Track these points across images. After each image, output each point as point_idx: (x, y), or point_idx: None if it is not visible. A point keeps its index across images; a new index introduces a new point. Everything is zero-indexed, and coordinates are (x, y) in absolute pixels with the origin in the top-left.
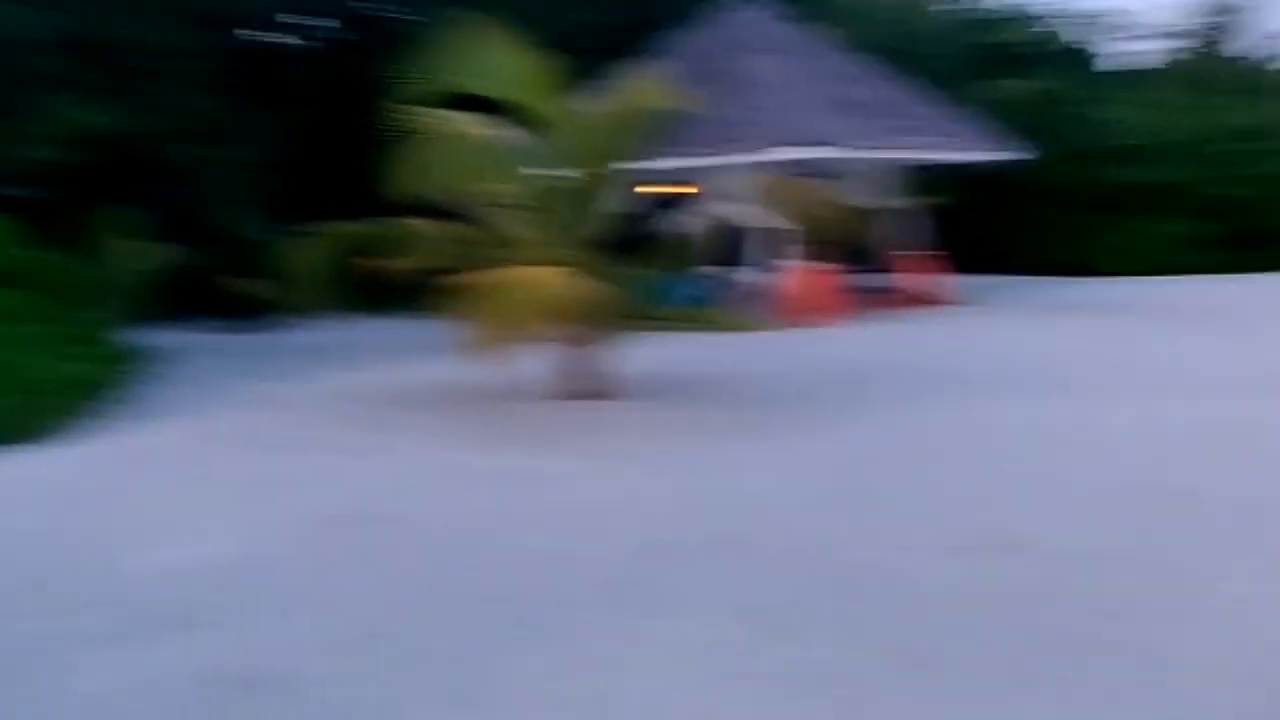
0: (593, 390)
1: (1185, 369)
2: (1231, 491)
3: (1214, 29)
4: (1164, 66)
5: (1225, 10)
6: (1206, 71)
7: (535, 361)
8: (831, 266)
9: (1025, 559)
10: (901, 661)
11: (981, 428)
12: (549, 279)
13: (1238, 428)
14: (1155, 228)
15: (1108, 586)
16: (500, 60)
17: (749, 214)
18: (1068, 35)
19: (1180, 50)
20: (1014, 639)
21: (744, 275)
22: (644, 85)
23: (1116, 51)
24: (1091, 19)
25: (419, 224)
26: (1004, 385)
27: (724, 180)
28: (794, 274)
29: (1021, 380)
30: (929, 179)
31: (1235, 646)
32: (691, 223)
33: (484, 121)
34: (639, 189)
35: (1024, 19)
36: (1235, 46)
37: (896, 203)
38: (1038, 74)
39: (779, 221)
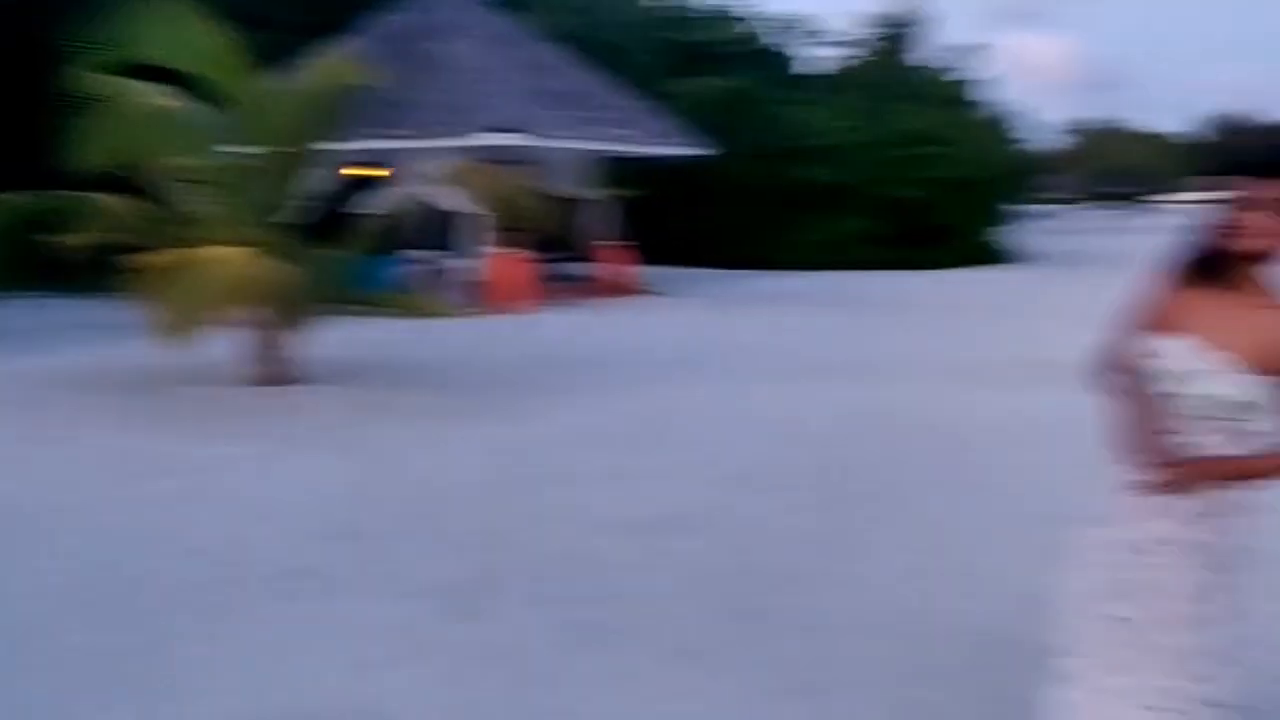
0: (282, 374)
1: (851, 355)
2: (882, 468)
3: (893, 39)
4: (848, 72)
5: (903, 22)
6: (886, 79)
7: (226, 344)
8: (528, 254)
9: (701, 535)
10: (581, 636)
11: (665, 411)
12: (236, 259)
13: (896, 409)
14: (835, 225)
15: (772, 559)
16: (187, 32)
17: (447, 199)
18: (762, 37)
19: (863, 58)
20: (689, 611)
21: (443, 261)
22: (336, 64)
23: (807, 56)
24: (785, 23)
25: (99, 198)
26: (688, 371)
27: (422, 164)
28: (493, 261)
29: (704, 366)
30: (624, 171)
31: (882, 608)
32: (389, 206)
33: (170, 94)
34: (336, 170)
35: (722, 19)
36: (912, 56)
37: (592, 193)
38: (732, 73)
39: (476, 207)
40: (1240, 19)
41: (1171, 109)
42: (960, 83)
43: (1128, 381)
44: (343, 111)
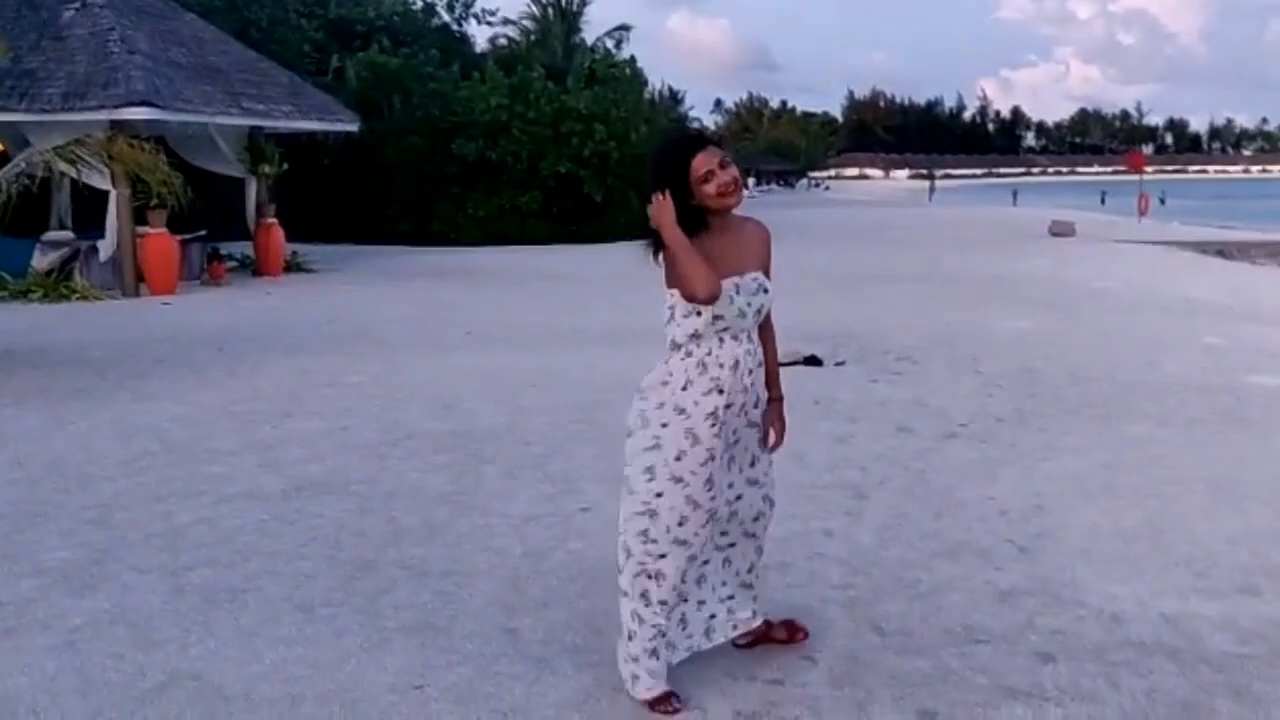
0: None
1: (502, 325)
2: (524, 428)
3: (552, 18)
4: (508, 49)
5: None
6: (545, 57)
7: None
8: (174, 233)
9: (338, 500)
10: (205, 599)
11: (312, 384)
12: None
13: (541, 373)
14: (497, 201)
15: (408, 517)
16: None
17: (87, 177)
18: (422, 13)
19: (523, 35)
20: (328, 570)
21: (84, 242)
22: None
23: (468, 32)
24: (454, 1)
25: None
26: (338, 345)
27: (51, 140)
28: (137, 240)
29: (355, 340)
30: (281, 147)
31: (504, 554)
32: (11, 184)
33: None
34: None
35: None
36: (571, 35)
37: (244, 170)
38: (391, 48)
39: (116, 185)
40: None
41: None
42: (617, 62)
43: None
44: None
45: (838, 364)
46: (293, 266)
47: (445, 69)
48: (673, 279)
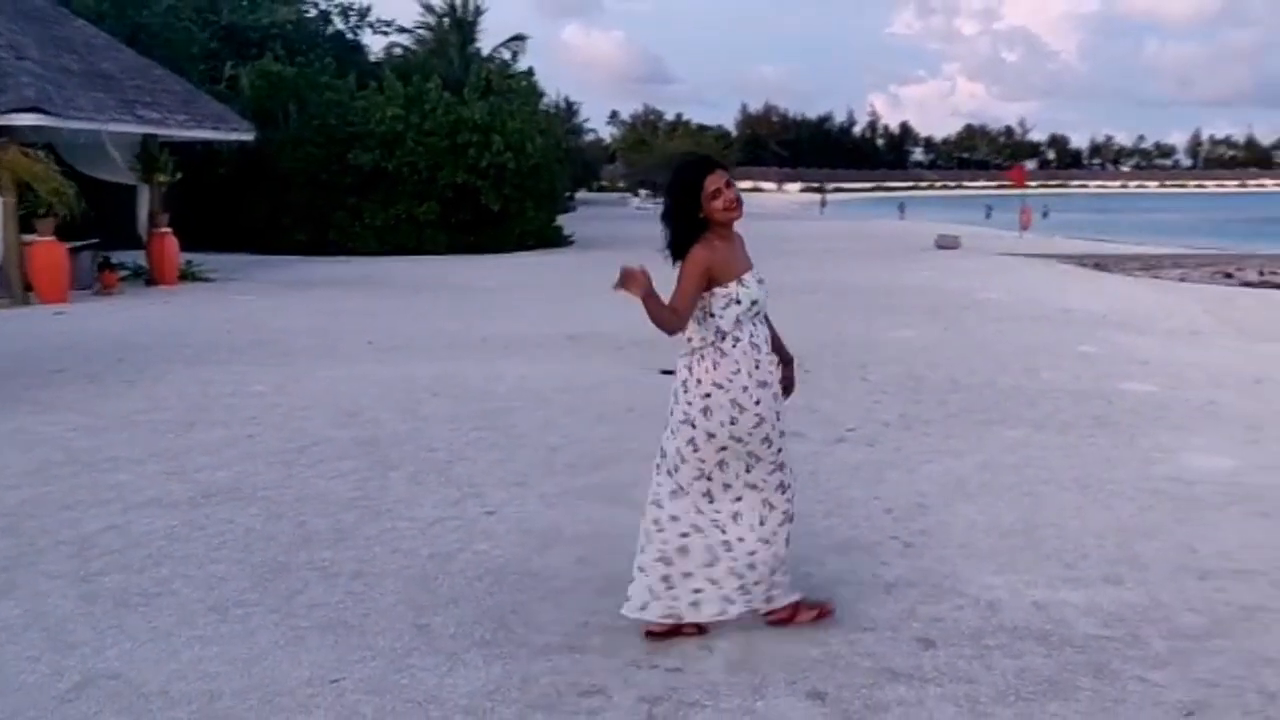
0: None
1: (400, 335)
2: (427, 434)
3: (448, 28)
4: (405, 59)
5: (458, 12)
6: (441, 67)
7: None
8: (64, 242)
9: (247, 506)
10: (119, 602)
11: (216, 394)
12: None
13: (439, 380)
14: (394, 211)
15: (316, 522)
16: None
17: None
18: (322, 22)
19: (419, 45)
20: (240, 572)
21: None
22: None
23: (364, 42)
24: (342, 8)
25: None
26: (240, 354)
27: None
28: (24, 249)
29: (255, 349)
30: (176, 156)
31: (412, 555)
32: None
33: None
34: None
35: (278, 2)
36: (467, 46)
37: (136, 178)
38: (288, 57)
39: (3, 192)
40: (776, 22)
41: (715, 104)
42: (514, 73)
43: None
44: None
45: None
46: (188, 276)
47: (341, 78)
48: (688, 287)
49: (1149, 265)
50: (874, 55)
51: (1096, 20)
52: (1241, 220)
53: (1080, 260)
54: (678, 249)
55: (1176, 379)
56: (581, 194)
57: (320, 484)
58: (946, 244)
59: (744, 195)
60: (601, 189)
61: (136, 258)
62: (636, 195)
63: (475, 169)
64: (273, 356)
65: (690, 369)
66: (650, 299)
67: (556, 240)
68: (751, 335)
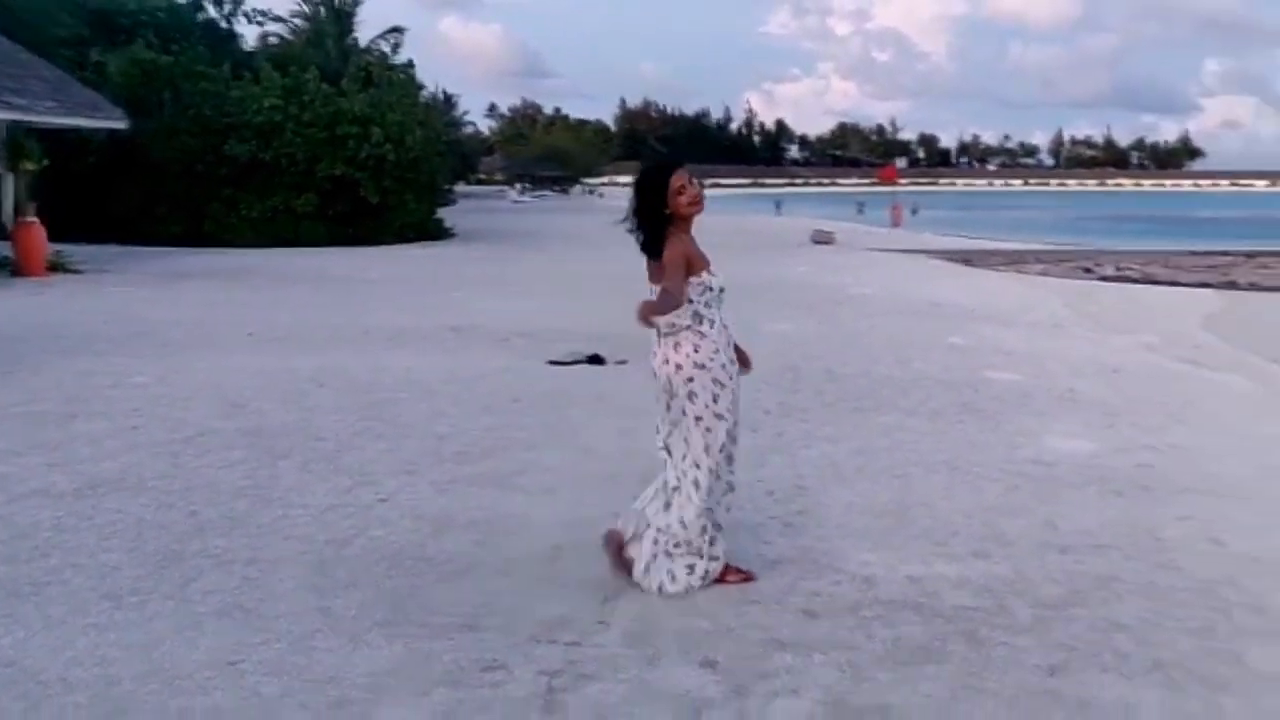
0: None
1: (280, 326)
2: (316, 424)
3: (326, 19)
4: (281, 49)
5: (346, 3)
6: (318, 57)
7: None
8: None
9: (136, 495)
10: (5, 595)
11: (96, 386)
12: None
13: (325, 371)
14: (274, 202)
15: (207, 510)
16: None
17: None
18: (194, 9)
19: (296, 35)
20: (132, 561)
21: None
22: None
23: (240, 31)
24: None
25: None
26: (117, 346)
27: None
28: None
29: (132, 341)
30: (44, 144)
31: (308, 541)
32: None
33: None
34: None
35: None
36: (353, 37)
37: (3, 167)
38: (162, 45)
39: None
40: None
41: (594, 98)
42: (393, 65)
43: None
44: None
45: (619, 362)
46: (56, 267)
47: (216, 67)
48: (665, 279)
49: (1013, 261)
50: (750, 54)
51: (964, 23)
52: (1100, 218)
53: (949, 256)
54: (652, 245)
55: (1039, 369)
56: (460, 187)
57: (209, 473)
58: (822, 239)
59: (624, 189)
60: (480, 182)
61: (1, 248)
62: (514, 188)
63: (354, 161)
64: (152, 348)
65: (668, 357)
66: (656, 304)
67: (437, 233)
68: (721, 319)
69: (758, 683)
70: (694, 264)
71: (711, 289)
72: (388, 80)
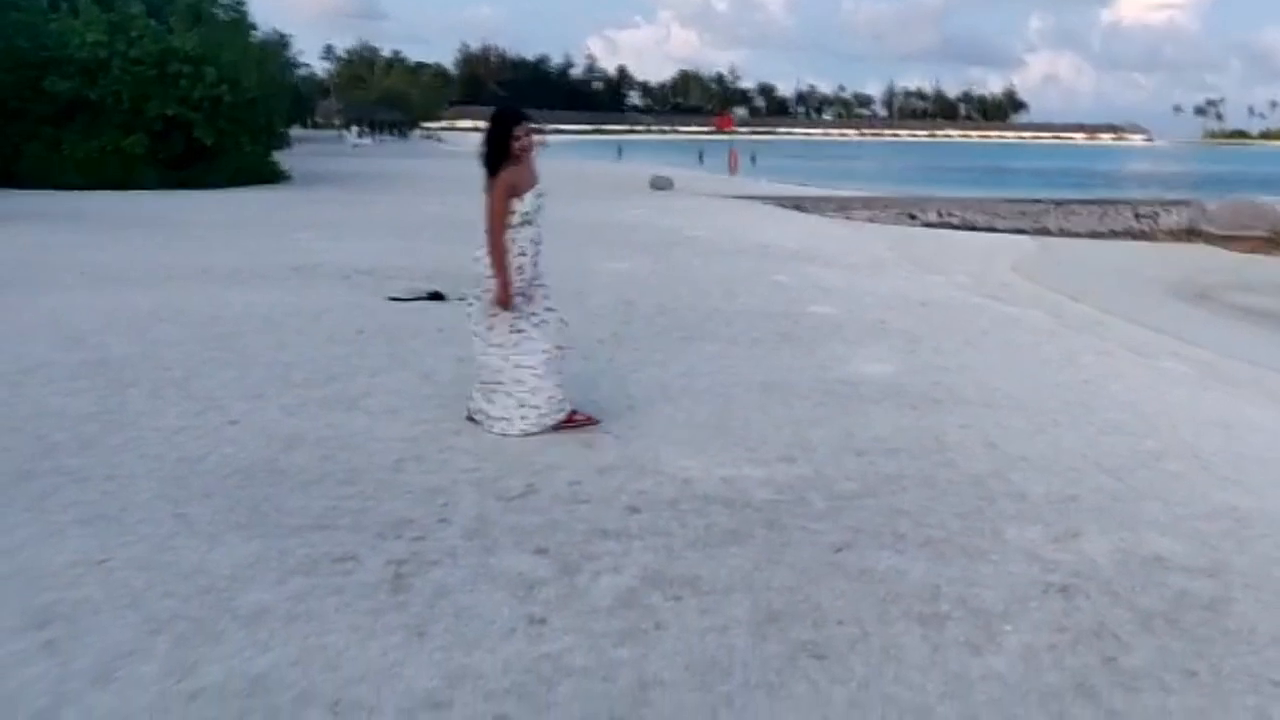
0: None
1: (115, 267)
2: (161, 356)
3: None
4: None
5: None
6: None
7: None
8: None
9: None
10: None
11: None
12: None
13: (166, 308)
14: (101, 142)
15: (58, 434)
16: None
17: None
18: None
19: None
20: None
21: None
22: None
23: None
24: None
25: None
26: None
27: None
28: None
29: None
30: None
31: (162, 458)
32: None
33: None
34: None
35: None
36: None
37: None
38: None
39: None
40: None
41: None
42: (222, 5)
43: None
44: None
45: (459, 299)
46: None
47: (32, 0)
48: (499, 202)
49: (843, 207)
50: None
51: None
52: (928, 168)
53: (781, 202)
54: (491, 166)
55: (855, 303)
56: (297, 130)
57: (55, 401)
58: (660, 185)
59: (464, 134)
60: (317, 125)
61: None
62: (351, 131)
63: (187, 101)
64: None
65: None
66: (499, 292)
67: (273, 177)
68: (530, 233)
69: (585, 564)
70: (517, 188)
71: (533, 200)
72: (215, 20)
